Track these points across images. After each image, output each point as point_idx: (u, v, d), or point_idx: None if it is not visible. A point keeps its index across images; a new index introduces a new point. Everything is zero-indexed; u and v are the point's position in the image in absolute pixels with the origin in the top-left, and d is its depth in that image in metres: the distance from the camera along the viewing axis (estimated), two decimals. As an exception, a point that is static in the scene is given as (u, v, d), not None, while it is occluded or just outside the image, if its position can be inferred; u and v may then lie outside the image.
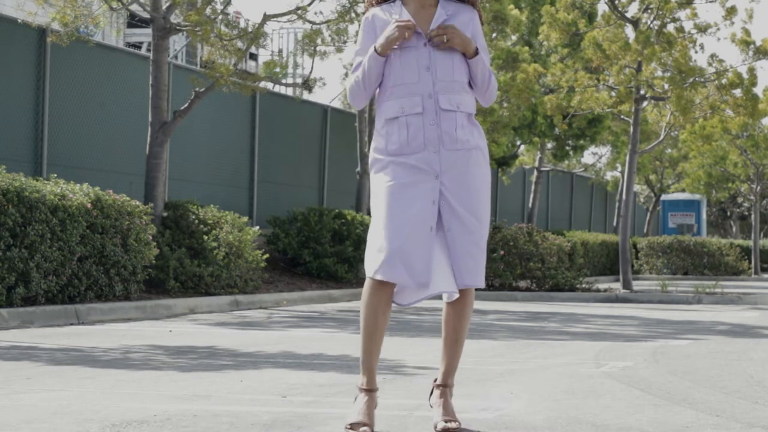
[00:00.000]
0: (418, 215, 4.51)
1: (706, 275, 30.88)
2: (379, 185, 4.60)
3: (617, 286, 19.88)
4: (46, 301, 10.80)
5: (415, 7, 4.67)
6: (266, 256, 14.80)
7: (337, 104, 31.77)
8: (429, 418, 4.93)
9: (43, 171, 14.34)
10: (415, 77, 4.57)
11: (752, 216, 34.05)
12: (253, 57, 26.47)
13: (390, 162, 4.59)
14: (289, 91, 23.81)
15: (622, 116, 20.90)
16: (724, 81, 19.08)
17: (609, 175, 36.69)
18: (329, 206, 19.80)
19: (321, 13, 15.21)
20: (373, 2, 4.75)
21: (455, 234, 4.53)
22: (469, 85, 4.69)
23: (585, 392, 5.90)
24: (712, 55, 19.07)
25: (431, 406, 4.72)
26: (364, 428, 4.46)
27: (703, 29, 18.78)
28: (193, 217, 14.02)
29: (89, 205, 11.29)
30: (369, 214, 19.43)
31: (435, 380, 4.75)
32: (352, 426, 4.47)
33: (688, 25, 32.79)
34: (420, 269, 4.49)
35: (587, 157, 48.29)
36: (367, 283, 4.62)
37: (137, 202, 12.23)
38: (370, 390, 4.57)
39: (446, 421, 4.57)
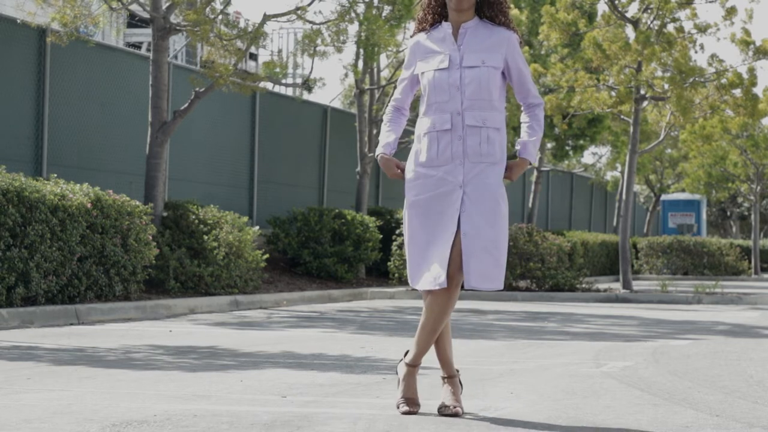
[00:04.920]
0: (445, 225, 4.96)
1: (706, 275, 30.87)
2: (411, 196, 5.09)
3: (617, 286, 19.87)
4: (46, 301, 10.79)
5: (453, 31, 5.13)
6: (266, 256, 14.80)
7: (337, 104, 31.76)
8: (429, 418, 4.94)
9: (43, 171, 14.34)
10: (446, 96, 5.03)
11: (752, 216, 34.04)
12: (253, 57, 26.47)
13: (422, 174, 5.04)
14: (289, 91, 23.81)
15: (622, 116, 20.89)
16: (724, 81, 19.07)
17: (609, 175, 36.69)
18: (329, 206, 19.81)
19: (321, 13, 15.18)
20: (421, 27, 5.20)
21: (469, 239, 4.92)
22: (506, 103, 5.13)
23: (585, 392, 5.91)
24: (712, 55, 19.06)
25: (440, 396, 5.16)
26: (457, 409, 5.03)
27: (703, 29, 18.77)
28: (193, 217, 14.02)
29: (89, 205, 11.29)
30: (369, 213, 19.45)
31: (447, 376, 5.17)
32: (442, 408, 5.04)
33: (688, 25, 32.77)
34: (440, 272, 4.93)
35: (587, 157, 48.32)
36: (423, 292, 5.14)
37: (137, 202, 12.23)
38: (450, 376, 5.12)
39: (445, 406, 5.02)
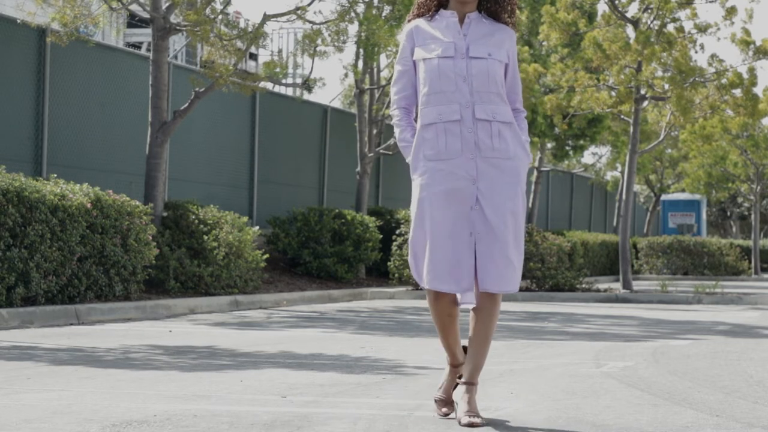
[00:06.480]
0: (459, 222, 4.72)
1: (706, 275, 30.87)
2: (419, 192, 4.79)
3: (617, 286, 19.87)
4: (46, 301, 10.79)
5: (456, 20, 4.88)
6: (266, 256, 14.80)
7: (337, 104, 31.77)
8: (429, 419, 4.94)
9: (43, 171, 14.34)
10: (453, 86, 4.77)
11: (752, 216, 34.05)
12: (253, 57, 26.49)
13: (429, 168, 4.78)
14: (289, 91, 23.82)
15: (622, 116, 20.89)
16: (724, 81, 19.07)
17: (609, 175, 36.69)
18: (329, 206, 19.81)
19: (321, 13, 15.19)
20: (420, 12, 4.95)
21: (483, 239, 4.72)
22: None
23: (585, 392, 5.90)
24: (712, 55, 19.06)
25: (454, 401, 4.91)
26: (444, 409, 4.96)
27: (703, 29, 18.77)
28: (193, 217, 14.02)
29: (89, 205, 11.29)
30: (369, 213, 19.43)
31: (460, 376, 4.92)
32: (438, 401, 5.01)
33: (688, 25, 32.77)
34: (465, 276, 4.73)
35: (587, 157, 48.33)
36: (429, 296, 4.90)
37: (137, 202, 12.23)
38: (455, 365, 5.01)
39: (470, 416, 4.72)
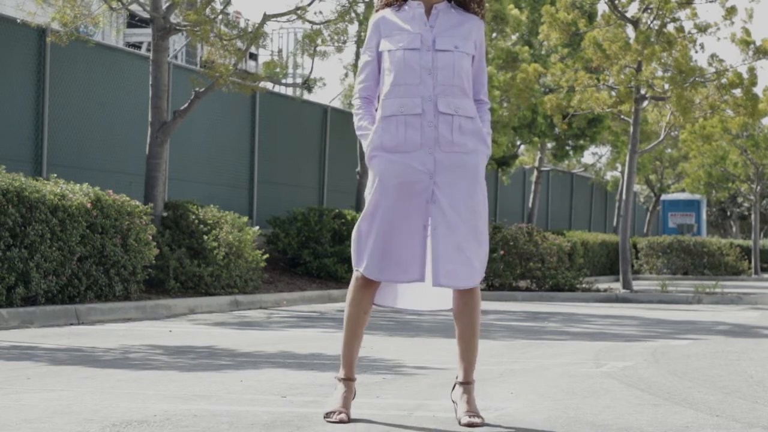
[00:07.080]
0: (412, 214, 4.64)
1: (706, 275, 30.88)
2: (374, 180, 4.72)
3: (617, 286, 19.87)
4: (46, 301, 10.79)
5: (423, 11, 4.78)
6: (266, 256, 14.79)
7: (337, 104, 31.77)
8: (429, 419, 4.94)
9: (43, 171, 14.34)
10: (417, 79, 4.67)
11: (752, 216, 34.05)
12: (253, 57, 26.48)
13: (387, 159, 4.69)
14: (289, 91, 23.81)
15: (622, 116, 20.90)
16: (724, 81, 19.08)
17: (609, 175, 36.71)
18: (329, 206, 19.81)
19: (321, 13, 15.16)
20: (387, 2, 4.84)
21: (440, 234, 4.62)
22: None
23: (585, 392, 5.90)
24: (712, 55, 19.06)
25: (453, 401, 4.87)
26: (341, 415, 4.72)
27: (703, 29, 18.78)
28: (193, 217, 14.02)
29: (89, 205, 11.29)
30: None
31: (457, 377, 4.89)
32: (328, 414, 4.74)
33: (688, 25, 32.78)
34: (414, 268, 4.66)
35: (587, 157, 48.38)
36: (356, 282, 4.77)
37: (137, 202, 12.23)
38: (348, 379, 4.85)
39: (470, 416, 4.70)
